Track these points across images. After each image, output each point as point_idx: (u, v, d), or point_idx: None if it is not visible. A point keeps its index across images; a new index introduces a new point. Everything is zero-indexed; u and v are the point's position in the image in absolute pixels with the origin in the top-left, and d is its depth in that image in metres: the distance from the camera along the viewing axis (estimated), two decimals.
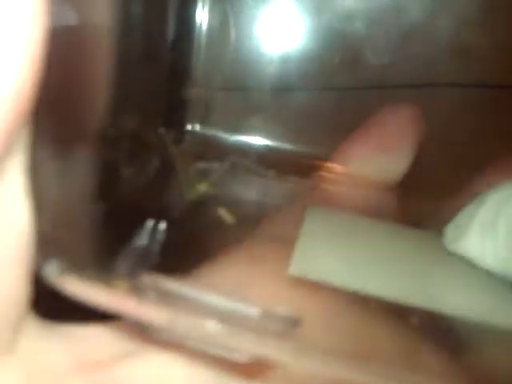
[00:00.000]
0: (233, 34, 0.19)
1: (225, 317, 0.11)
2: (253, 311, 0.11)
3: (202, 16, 0.18)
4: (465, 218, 0.13)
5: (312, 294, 0.13)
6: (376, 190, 0.18)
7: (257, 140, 0.19)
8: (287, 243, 0.14)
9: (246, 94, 0.20)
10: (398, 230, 0.15)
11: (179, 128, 0.19)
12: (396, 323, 0.12)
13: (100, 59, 0.12)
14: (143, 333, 0.12)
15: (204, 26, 0.19)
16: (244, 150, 0.19)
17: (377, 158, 0.17)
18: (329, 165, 0.19)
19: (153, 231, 0.13)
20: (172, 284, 0.11)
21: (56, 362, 0.12)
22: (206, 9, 0.19)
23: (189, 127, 0.19)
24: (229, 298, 0.11)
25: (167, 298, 0.11)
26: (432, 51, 0.18)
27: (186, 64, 0.19)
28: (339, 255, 0.14)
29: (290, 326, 0.11)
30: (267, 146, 0.19)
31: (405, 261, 0.14)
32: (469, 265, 0.13)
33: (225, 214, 0.15)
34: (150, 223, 0.14)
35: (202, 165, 0.18)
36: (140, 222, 0.14)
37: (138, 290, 0.11)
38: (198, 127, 0.19)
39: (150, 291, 0.11)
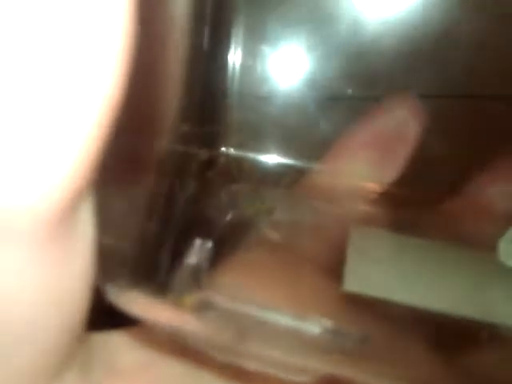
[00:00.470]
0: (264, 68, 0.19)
1: (286, 334, 0.11)
2: (315, 328, 0.11)
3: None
4: None
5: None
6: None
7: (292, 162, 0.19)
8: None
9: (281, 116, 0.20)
10: (445, 246, 0.15)
11: (213, 149, 0.19)
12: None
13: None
14: (199, 354, 0.12)
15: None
16: (279, 172, 0.19)
17: (371, 157, 0.17)
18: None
19: (201, 250, 0.13)
20: (228, 302, 0.11)
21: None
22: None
23: (222, 149, 0.19)
24: (288, 314, 0.11)
25: (226, 317, 0.11)
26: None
27: (222, 83, 0.19)
28: (390, 270, 0.13)
29: (358, 344, 0.11)
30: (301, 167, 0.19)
31: (457, 275, 0.13)
32: None
33: (270, 232, 0.14)
34: (197, 242, 0.13)
35: (237, 186, 0.18)
36: (186, 241, 0.14)
37: (202, 308, 0.10)
38: (231, 150, 0.19)
39: (210, 309, 0.11)
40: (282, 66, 0.20)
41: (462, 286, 0.13)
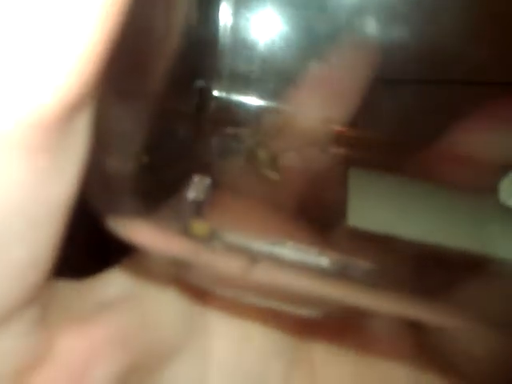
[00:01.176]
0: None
1: (294, 265, 0.11)
2: (323, 260, 0.11)
3: None
4: None
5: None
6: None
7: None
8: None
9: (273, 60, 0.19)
10: (442, 187, 0.15)
11: (203, 94, 0.19)
12: None
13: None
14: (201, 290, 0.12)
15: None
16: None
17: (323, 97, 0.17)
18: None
19: (199, 185, 0.13)
20: (237, 235, 0.11)
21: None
22: None
23: (214, 93, 0.19)
24: (298, 247, 0.11)
25: (235, 248, 0.10)
26: None
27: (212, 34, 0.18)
28: (391, 207, 0.13)
29: (365, 274, 0.10)
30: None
31: (457, 211, 0.13)
32: None
33: (269, 172, 0.14)
34: (196, 178, 0.13)
35: (230, 130, 0.18)
36: (184, 177, 0.13)
37: (211, 238, 0.10)
38: (223, 94, 0.19)
39: (219, 240, 0.10)
40: (271, 17, 0.19)
41: (461, 220, 0.13)
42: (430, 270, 0.12)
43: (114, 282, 0.14)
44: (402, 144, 0.17)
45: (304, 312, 0.11)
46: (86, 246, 0.10)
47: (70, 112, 0.08)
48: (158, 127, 0.14)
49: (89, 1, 0.07)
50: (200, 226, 0.10)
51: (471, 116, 0.17)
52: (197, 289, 0.14)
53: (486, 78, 0.17)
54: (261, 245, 0.11)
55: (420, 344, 0.14)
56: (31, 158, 0.08)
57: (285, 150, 0.17)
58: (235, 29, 0.19)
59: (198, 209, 0.12)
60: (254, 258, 0.10)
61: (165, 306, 0.14)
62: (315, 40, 0.19)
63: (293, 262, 0.10)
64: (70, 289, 0.13)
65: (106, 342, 0.12)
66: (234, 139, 0.17)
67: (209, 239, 0.10)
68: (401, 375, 0.15)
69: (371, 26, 0.17)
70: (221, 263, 0.10)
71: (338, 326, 0.12)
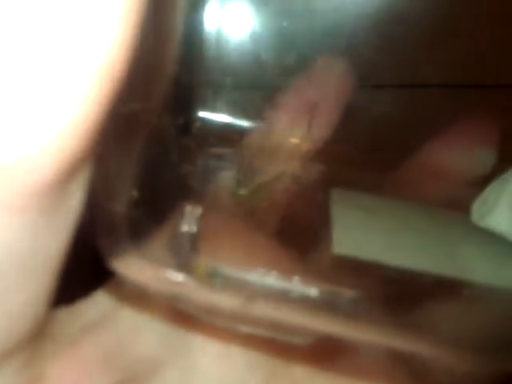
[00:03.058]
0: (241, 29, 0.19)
1: (284, 296, 0.11)
2: (312, 290, 0.12)
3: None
4: (492, 193, 0.14)
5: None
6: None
7: None
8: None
9: (254, 81, 0.20)
10: (421, 208, 0.15)
11: (188, 115, 0.19)
12: None
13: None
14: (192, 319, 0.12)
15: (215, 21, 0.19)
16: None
17: (301, 117, 0.17)
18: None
19: (192, 216, 0.13)
20: (234, 269, 0.12)
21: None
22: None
23: (198, 114, 0.19)
24: (286, 278, 0.12)
25: (233, 283, 0.11)
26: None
27: (196, 51, 0.19)
28: (373, 233, 0.14)
29: (353, 306, 0.11)
30: None
31: (434, 235, 0.14)
32: (497, 238, 0.14)
33: (250, 204, 0.15)
34: (188, 208, 0.14)
35: (215, 150, 0.18)
36: (172, 207, 0.14)
37: (212, 276, 0.11)
38: (207, 114, 0.19)
39: (218, 277, 0.11)
40: (257, 33, 0.20)
41: (437, 244, 0.14)
42: (408, 295, 0.12)
43: (96, 305, 0.14)
44: (379, 159, 0.18)
45: (293, 340, 0.12)
46: (71, 271, 0.11)
47: (66, 177, 0.09)
48: (146, 156, 0.15)
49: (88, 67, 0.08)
50: (202, 266, 0.11)
51: (444, 132, 0.17)
52: (179, 314, 0.14)
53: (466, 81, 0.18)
54: (254, 277, 0.11)
55: (400, 363, 0.15)
56: (26, 218, 0.09)
57: (267, 168, 0.18)
58: (220, 46, 0.20)
59: (193, 241, 0.13)
60: (252, 295, 0.10)
61: (143, 326, 0.14)
62: (297, 56, 0.20)
63: (282, 293, 0.11)
64: (57, 315, 0.13)
65: (92, 362, 0.13)
66: (219, 160, 0.18)
67: (209, 277, 0.11)
68: None
69: (353, 37, 0.18)
70: (220, 300, 0.11)
71: (312, 347, 0.13)
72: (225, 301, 0.11)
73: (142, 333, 0.14)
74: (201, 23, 0.19)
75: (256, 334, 0.12)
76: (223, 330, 0.13)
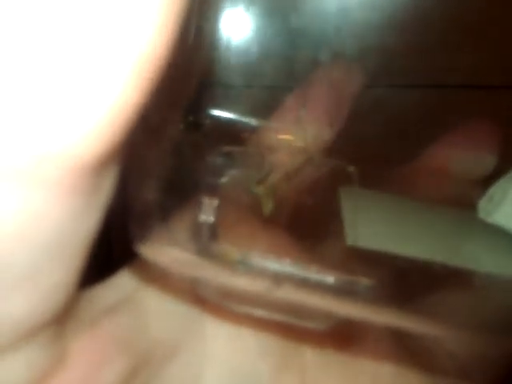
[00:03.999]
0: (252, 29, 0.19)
1: (303, 283, 0.12)
2: (329, 278, 0.12)
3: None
4: (499, 190, 0.14)
5: None
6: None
7: None
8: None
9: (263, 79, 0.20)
10: (429, 205, 0.16)
11: (199, 113, 0.20)
12: None
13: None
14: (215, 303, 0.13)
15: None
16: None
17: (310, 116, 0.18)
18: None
19: (210, 207, 0.14)
20: (254, 255, 0.12)
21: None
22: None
23: (209, 112, 0.20)
24: (303, 265, 0.12)
25: (260, 270, 0.11)
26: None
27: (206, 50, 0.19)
28: (383, 226, 0.15)
29: (368, 293, 0.12)
30: None
31: (443, 228, 0.15)
32: (503, 233, 0.14)
33: (266, 203, 0.15)
34: (205, 200, 0.14)
35: (225, 148, 0.19)
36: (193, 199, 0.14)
37: (241, 263, 0.11)
38: (216, 111, 0.20)
39: (246, 264, 0.11)
40: (266, 33, 0.20)
41: (446, 237, 0.14)
42: (418, 283, 0.13)
43: (118, 287, 0.14)
44: (387, 158, 0.18)
45: (310, 325, 0.12)
46: (94, 256, 0.11)
47: (105, 162, 0.09)
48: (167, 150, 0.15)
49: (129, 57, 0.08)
50: (226, 253, 0.11)
51: (450, 134, 0.18)
52: (196, 298, 0.15)
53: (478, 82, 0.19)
54: (276, 265, 0.12)
55: (405, 347, 0.16)
56: (67, 199, 0.09)
57: (276, 166, 0.18)
58: (229, 46, 0.20)
59: (212, 231, 0.13)
60: (277, 279, 0.11)
61: (163, 309, 0.15)
62: (303, 56, 0.20)
63: (303, 280, 0.12)
64: (82, 296, 0.14)
65: (112, 343, 0.13)
66: (229, 158, 0.18)
67: (234, 263, 0.11)
68: (387, 376, 0.16)
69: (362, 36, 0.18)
70: (245, 285, 0.11)
71: (327, 332, 0.13)
72: (250, 285, 0.11)
73: (160, 317, 0.14)
74: (211, 23, 0.19)
75: (272, 319, 0.12)
76: (237, 315, 0.13)
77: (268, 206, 0.14)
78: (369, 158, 0.18)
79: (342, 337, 0.15)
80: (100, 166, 0.09)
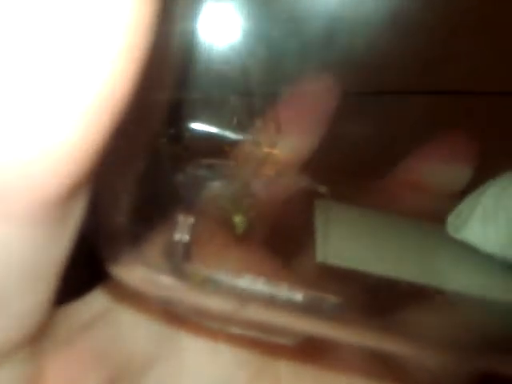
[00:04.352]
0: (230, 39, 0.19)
1: (272, 301, 0.12)
2: (297, 295, 0.12)
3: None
4: (467, 206, 0.15)
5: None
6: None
7: None
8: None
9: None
10: (400, 219, 0.16)
11: (178, 126, 0.20)
12: None
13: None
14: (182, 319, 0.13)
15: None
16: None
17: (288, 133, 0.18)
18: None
19: (184, 225, 0.14)
20: (221, 275, 0.12)
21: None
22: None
23: (188, 125, 0.20)
24: (273, 284, 0.13)
25: (226, 289, 0.12)
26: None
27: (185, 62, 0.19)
28: (355, 243, 0.15)
29: (336, 310, 0.12)
30: None
31: (412, 245, 0.15)
32: (471, 250, 0.15)
33: (239, 223, 0.15)
34: (181, 218, 0.14)
35: (205, 161, 0.19)
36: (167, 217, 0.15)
37: (207, 283, 0.12)
38: (196, 124, 0.20)
39: (213, 284, 0.12)
40: (246, 44, 0.20)
41: (415, 254, 0.15)
42: (386, 300, 0.13)
43: (92, 304, 0.15)
44: (362, 171, 0.18)
45: (280, 340, 0.13)
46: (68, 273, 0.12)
47: (71, 192, 0.09)
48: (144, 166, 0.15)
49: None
50: (196, 273, 0.12)
51: (425, 146, 0.18)
52: (172, 315, 0.15)
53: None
54: (244, 283, 0.12)
55: (378, 360, 0.16)
56: (32, 230, 0.09)
57: (253, 179, 0.19)
58: (210, 57, 0.20)
59: (186, 249, 0.13)
60: (243, 300, 0.11)
61: (138, 323, 0.15)
62: (286, 67, 0.21)
63: (270, 298, 0.12)
64: (56, 316, 0.14)
65: (88, 358, 0.14)
66: (209, 170, 0.19)
67: (203, 283, 0.12)
68: None
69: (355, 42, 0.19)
70: (213, 304, 0.12)
71: (297, 347, 0.14)
72: (218, 305, 0.12)
73: (135, 331, 0.14)
74: (191, 34, 0.19)
75: (245, 335, 0.13)
76: (212, 330, 0.14)
77: (240, 226, 0.15)
78: (346, 169, 0.18)
79: (315, 351, 0.15)
80: (65, 199, 0.09)
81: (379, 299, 0.13)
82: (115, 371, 0.14)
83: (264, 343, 0.14)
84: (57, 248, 0.10)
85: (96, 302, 0.15)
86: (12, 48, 0.08)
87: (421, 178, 0.18)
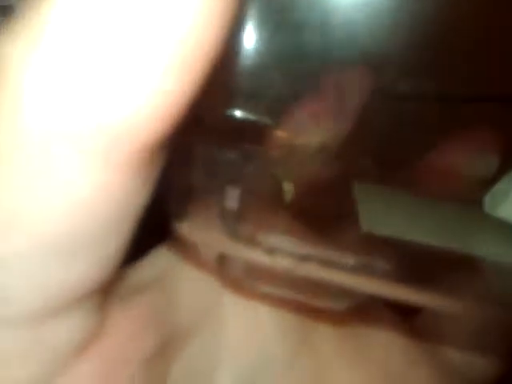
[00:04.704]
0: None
1: (325, 263, 0.13)
2: (349, 259, 0.13)
3: None
4: (503, 185, 0.15)
5: None
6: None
7: None
8: None
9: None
10: (439, 201, 0.17)
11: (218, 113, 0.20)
12: None
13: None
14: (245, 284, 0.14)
15: None
16: None
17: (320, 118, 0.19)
18: None
19: (233, 195, 0.15)
20: (271, 237, 0.13)
21: None
22: None
23: (228, 111, 0.20)
24: (323, 248, 0.13)
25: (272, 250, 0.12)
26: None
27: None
28: (398, 216, 0.16)
29: (385, 273, 0.13)
30: None
31: (452, 217, 0.16)
32: (508, 226, 0.15)
33: (288, 190, 0.16)
34: (228, 189, 0.15)
35: (241, 147, 0.20)
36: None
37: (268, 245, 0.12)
38: (236, 112, 0.20)
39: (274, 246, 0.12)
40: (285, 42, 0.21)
41: (457, 227, 0.15)
42: (431, 266, 0.14)
43: (152, 266, 0.15)
44: (394, 159, 0.19)
45: (330, 304, 0.13)
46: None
47: (163, 140, 0.10)
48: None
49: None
50: (254, 233, 0.12)
51: (455, 137, 0.19)
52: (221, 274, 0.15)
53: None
54: (297, 247, 0.13)
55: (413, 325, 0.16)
56: (129, 175, 0.10)
57: (290, 164, 0.19)
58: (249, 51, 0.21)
59: (237, 216, 0.14)
60: (300, 257, 0.12)
61: (192, 288, 0.15)
62: (314, 60, 0.21)
63: (324, 260, 0.13)
64: (121, 274, 0.14)
65: (143, 320, 0.14)
66: (246, 157, 0.19)
67: (260, 243, 0.12)
68: (398, 364, 0.17)
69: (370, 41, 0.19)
70: (271, 262, 0.12)
71: (344, 313, 0.14)
72: (276, 262, 0.12)
73: (188, 295, 0.15)
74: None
75: (293, 298, 0.13)
76: (256, 295, 0.14)
77: (289, 193, 0.15)
78: (378, 159, 0.19)
79: (358, 320, 0.15)
80: (158, 146, 0.10)
81: (424, 265, 0.14)
82: (166, 336, 0.14)
83: (305, 310, 0.15)
84: (141, 197, 0.11)
85: (155, 264, 0.15)
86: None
87: (451, 166, 0.19)
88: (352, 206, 0.16)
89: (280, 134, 0.20)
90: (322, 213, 0.16)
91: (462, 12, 0.19)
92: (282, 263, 0.12)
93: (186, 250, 0.13)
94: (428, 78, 0.20)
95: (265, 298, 0.15)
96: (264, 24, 0.20)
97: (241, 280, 0.14)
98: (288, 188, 0.16)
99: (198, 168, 0.13)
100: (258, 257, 0.12)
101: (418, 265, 0.13)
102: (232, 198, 0.15)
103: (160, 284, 0.15)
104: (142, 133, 0.09)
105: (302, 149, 0.19)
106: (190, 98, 0.09)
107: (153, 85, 0.09)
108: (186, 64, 0.09)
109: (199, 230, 0.12)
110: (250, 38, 0.20)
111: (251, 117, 0.21)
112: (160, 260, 0.15)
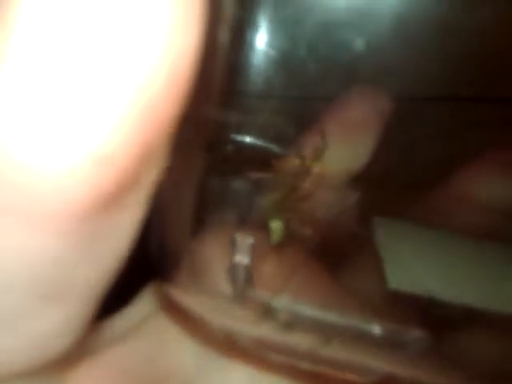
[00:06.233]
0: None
1: (350, 338, 0.11)
2: (375, 328, 0.11)
3: None
4: None
5: None
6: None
7: None
8: None
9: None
10: (462, 237, 0.15)
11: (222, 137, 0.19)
12: None
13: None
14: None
15: None
16: None
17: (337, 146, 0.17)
18: None
19: (244, 246, 0.13)
20: (285, 302, 0.11)
21: None
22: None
23: (231, 137, 0.19)
24: (347, 314, 0.11)
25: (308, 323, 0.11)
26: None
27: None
28: (424, 265, 0.14)
29: (419, 345, 0.11)
30: None
31: (482, 268, 0.14)
32: None
33: (275, 229, 0.14)
34: (238, 238, 0.13)
35: (251, 174, 0.18)
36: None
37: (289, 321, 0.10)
38: (239, 137, 0.19)
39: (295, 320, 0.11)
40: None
41: (493, 278, 0.14)
42: (472, 334, 0.12)
43: (129, 315, 0.14)
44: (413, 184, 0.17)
45: (352, 378, 0.12)
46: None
47: (104, 206, 0.08)
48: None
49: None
50: (266, 297, 0.11)
51: (474, 162, 0.17)
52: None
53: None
54: (328, 317, 0.11)
55: None
56: (61, 241, 0.08)
57: (303, 194, 0.18)
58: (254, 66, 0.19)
59: (248, 273, 0.12)
60: (327, 335, 0.10)
61: (178, 339, 0.14)
62: (329, 82, 0.20)
63: (349, 332, 0.11)
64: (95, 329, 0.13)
65: (115, 373, 0.13)
66: (255, 184, 0.18)
67: (274, 310, 0.10)
68: None
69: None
70: (287, 340, 0.10)
71: None
72: (298, 341, 0.10)
73: (175, 346, 0.13)
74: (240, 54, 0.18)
75: (313, 370, 0.12)
76: (257, 360, 0.13)
77: (276, 232, 0.13)
78: (397, 185, 0.17)
79: None
80: (96, 213, 0.08)
81: (465, 332, 0.12)
82: None
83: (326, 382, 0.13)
84: (89, 267, 0.09)
85: (135, 312, 0.14)
86: None
87: (473, 194, 0.17)
88: (371, 245, 0.15)
89: (293, 161, 0.18)
90: (341, 254, 0.15)
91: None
92: (302, 344, 0.10)
93: (185, 318, 0.12)
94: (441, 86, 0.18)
95: (277, 367, 0.14)
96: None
97: (250, 350, 0.12)
98: (276, 226, 0.14)
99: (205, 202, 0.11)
100: (272, 334, 0.11)
101: (459, 334, 0.12)
102: (242, 250, 0.13)
103: (141, 333, 0.13)
104: (73, 199, 0.08)
105: (320, 178, 0.18)
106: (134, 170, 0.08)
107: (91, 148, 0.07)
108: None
109: (198, 296, 0.11)
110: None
111: (258, 142, 0.19)
112: (139, 309, 0.14)
